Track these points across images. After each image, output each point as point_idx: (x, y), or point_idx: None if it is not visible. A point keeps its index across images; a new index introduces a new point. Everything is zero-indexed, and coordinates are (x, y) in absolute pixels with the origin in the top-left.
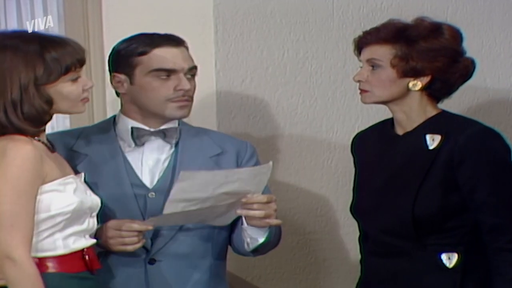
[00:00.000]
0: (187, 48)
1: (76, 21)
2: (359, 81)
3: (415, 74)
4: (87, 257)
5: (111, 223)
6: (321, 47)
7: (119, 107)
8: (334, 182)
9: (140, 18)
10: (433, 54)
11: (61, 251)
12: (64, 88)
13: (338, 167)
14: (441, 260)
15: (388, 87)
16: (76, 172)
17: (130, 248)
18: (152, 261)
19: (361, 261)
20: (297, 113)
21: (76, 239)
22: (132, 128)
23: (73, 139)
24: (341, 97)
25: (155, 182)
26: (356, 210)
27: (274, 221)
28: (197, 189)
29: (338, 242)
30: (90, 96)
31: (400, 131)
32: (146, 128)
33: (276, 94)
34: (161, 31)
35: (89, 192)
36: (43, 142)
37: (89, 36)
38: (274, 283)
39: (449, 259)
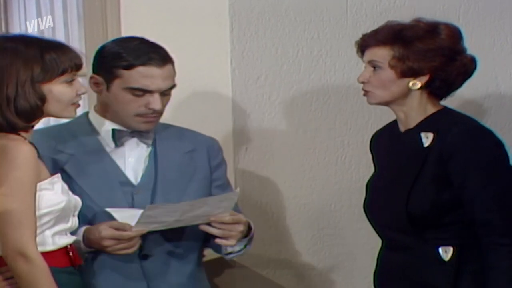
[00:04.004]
0: (173, 64)
1: (95, 20)
2: (362, 82)
3: (414, 74)
4: (71, 253)
5: (106, 233)
6: (335, 45)
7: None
8: (347, 178)
9: (157, 17)
10: (429, 54)
11: (50, 247)
12: (58, 89)
13: (352, 164)
14: (439, 254)
15: (389, 88)
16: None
17: (129, 251)
18: (145, 257)
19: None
20: (311, 110)
21: (61, 237)
22: (113, 130)
23: (55, 138)
24: (355, 94)
25: (139, 179)
26: (366, 206)
27: (225, 242)
28: (164, 214)
29: (351, 237)
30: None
31: (402, 129)
32: (125, 129)
33: (291, 92)
34: (178, 30)
35: (70, 192)
36: (30, 143)
37: (108, 34)
38: (289, 278)
39: (446, 253)
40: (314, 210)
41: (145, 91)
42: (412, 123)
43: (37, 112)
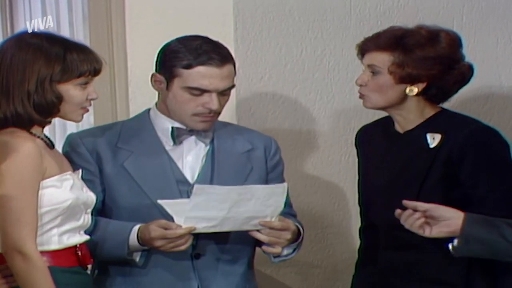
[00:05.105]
0: (234, 64)
1: (100, 20)
2: (360, 85)
3: (411, 80)
4: (79, 253)
5: (155, 234)
6: (339, 45)
7: (144, 104)
8: (351, 177)
9: (162, 17)
10: (428, 62)
11: (55, 246)
12: (71, 90)
13: (355, 162)
14: (448, 250)
15: (385, 92)
16: (75, 169)
17: (182, 248)
18: (197, 256)
19: (359, 250)
20: (315, 109)
21: (71, 235)
22: (172, 127)
23: (116, 135)
24: (358, 93)
25: (195, 178)
26: (365, 205)
27: (271, 249)
28: (212, 205)
29: (355, 235)
30: (112, 96)
31: (400, 130)
32: (184, 127)
33: (294, 91)
34: (182, 29)
35: (85, 189)
36: (42, 139)
37: (112, 34)
38: (293, 276)
39: None
40: (317, 208)
41: (203, 91)
42: (411, 125)
43: (54, 109)
